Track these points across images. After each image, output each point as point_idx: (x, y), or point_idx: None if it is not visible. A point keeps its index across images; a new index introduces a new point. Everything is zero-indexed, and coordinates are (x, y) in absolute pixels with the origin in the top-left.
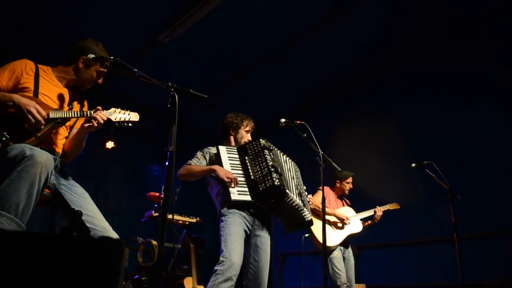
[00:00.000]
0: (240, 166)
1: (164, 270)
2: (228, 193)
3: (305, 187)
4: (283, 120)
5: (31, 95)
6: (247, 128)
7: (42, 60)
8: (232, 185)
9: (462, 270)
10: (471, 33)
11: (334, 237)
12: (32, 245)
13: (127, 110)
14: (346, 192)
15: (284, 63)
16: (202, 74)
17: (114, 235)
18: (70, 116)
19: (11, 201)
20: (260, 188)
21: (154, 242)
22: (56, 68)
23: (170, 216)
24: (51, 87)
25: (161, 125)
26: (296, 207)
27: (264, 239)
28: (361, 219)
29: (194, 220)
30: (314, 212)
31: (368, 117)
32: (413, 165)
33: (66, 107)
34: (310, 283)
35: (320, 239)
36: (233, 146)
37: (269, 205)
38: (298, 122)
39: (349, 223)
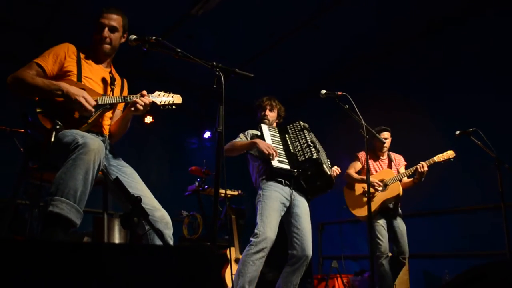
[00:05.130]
0: (280, 142)
1: (213, 242)
2: (268, 163)
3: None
4: (323, 91)
5: (75, 79)
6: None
7: (79, 39)
8: (271, 158)
9: (510, 239)
10: None
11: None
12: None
13: (170, 93)
14: (385, 149)
15: (319, 31)
16: (237, 45)
17: (164, 212)
18: (118, 101)
19: (69, 187)
20: (299, 159)
21: (198, 215)
22: None
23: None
24: (93, 69)
25: (198, 98)
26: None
27: (303, 207)
28: (403, 179)
29: (236, 193)
30: (348, 181)
31: (409, 84)
32: (457, 132)
33: (109, 88)
34: (349, 251)
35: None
36: (274, 127)
37: (306, 177)
38: (339, 93)
39: (382, 189)
